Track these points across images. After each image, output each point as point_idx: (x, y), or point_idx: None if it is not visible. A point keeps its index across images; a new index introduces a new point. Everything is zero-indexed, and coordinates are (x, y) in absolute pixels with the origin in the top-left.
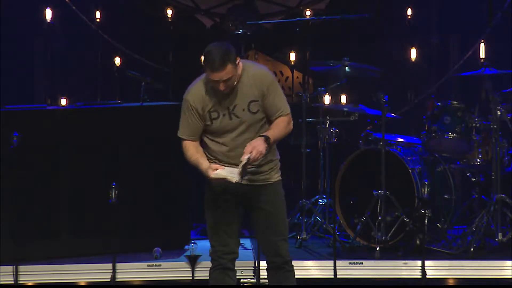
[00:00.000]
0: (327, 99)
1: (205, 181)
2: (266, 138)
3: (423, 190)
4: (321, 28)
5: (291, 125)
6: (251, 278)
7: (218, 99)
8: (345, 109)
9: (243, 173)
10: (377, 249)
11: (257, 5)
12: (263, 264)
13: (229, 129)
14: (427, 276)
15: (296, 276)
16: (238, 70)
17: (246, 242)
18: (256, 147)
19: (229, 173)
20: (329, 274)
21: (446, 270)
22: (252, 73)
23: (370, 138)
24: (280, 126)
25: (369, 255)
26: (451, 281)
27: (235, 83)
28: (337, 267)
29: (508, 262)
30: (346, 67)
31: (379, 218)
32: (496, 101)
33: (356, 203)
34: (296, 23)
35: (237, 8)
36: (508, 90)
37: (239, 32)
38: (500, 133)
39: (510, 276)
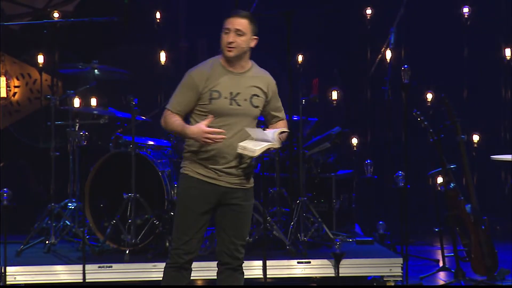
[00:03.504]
0: (76, 102)
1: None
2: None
3: (172, 192)
4: (70, 30)
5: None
6: None
7: (223, 82)
8: (95, 112)
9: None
10: (127, 252)
11: (3, 6)
12: (9, 269)
13: (226, 114)
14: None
15: (44, 281)
16: (249, 49)
17: None
18: (283, 135)
19: (271, 136)
20: (78, 278)
21: (194, 272)
22: (260, 73)
23: (120, 141)
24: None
25: (119, 258)
26: (199, 282)
27: (242, 47)
28: (86, 271)
29: (256, 262)
30: (96, 70)
31: (129, 220)
32: None
33: (106, 206)
34: (44, 25)
35: None
36: None
37: None
38: None
39: (260, 276)
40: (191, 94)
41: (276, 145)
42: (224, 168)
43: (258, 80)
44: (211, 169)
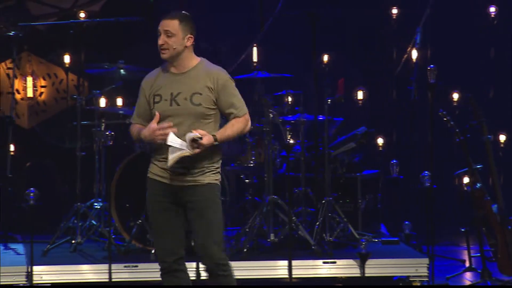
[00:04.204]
0: (102, 102)
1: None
2: (215, 139)
3: None
4: (96, 30)
5: (248, 126)
6: (23, 283)
7: (165, 85)
8: (121, 111)
9: (192, 147)
10: (153, 251)
11: (30, 7)
12: (36, 269)
13: (168, 115)
14: (202, 278)
15: (70, 280)
16: (188, 51)
17: (19, 247)
18: (205, 137)
19: (180, 144)
20: (104, 278)
21: None
22: (207, 69)
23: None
24: (234, 127)
25: (145, 258)
26: None
27: (174, 49)
28: (112, 271)
29: (281, 262)
30: (121, 70)
31: None
32: (269, 104)
33: (132, 206)
34: (70, 25)
35: (9, 9)
36: (279, 93)
37: (11, 34)
38: (272, 135)
39: (285, 276)
40: (144, 101)
41: (187, 153)
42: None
43: (202, 78)
44: (163, 168)
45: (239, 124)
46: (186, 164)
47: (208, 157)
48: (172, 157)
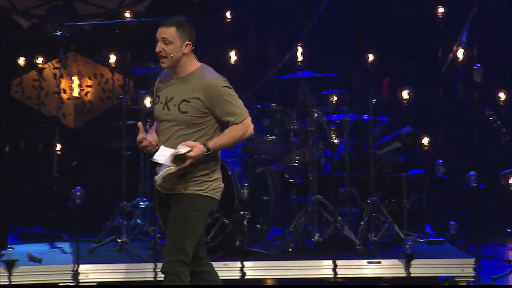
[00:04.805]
0: (147, 102)
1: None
2: (207, 149)
3: (242, 191)
4: (142, 30)
5: (249, 132)
6: (70, 282)
7: (165, 87)
8: None
9: (177, 163)
10: None
11: (76, 7)
12: (82, 267)
13: (160, 119)
14: (246, 277)
15: (116, 279)
16: (187, 57)
17: (65, 246)
18: (195, 149)
19: (165, 161)
20: (149, 277)
21: (265, 271)
22: (200, 77)
23: None
24: (230, 135)
25: None
26: (269, 281)
27: (172, 57)
28: (157, 270)
29: (326, 262)
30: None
31: None
32: (313, 104)
33: None
34: (116, 25)
35: (56, 9)
36: (324, 93)
37: (58, 34)
38: (317, 135)
39: (330, 276)
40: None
41: (172, 169)
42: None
43: (193, 86)
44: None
45: (236, 131)
46: (172, 175)
47: (193, 167)
48: (159, 175)
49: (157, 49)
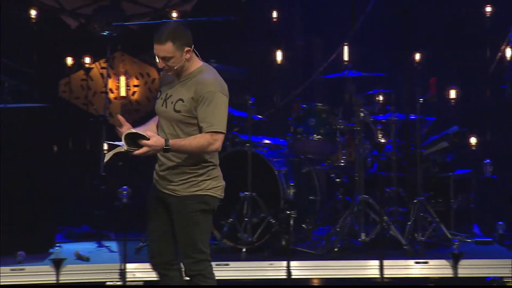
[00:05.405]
0: None
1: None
2: (166, 145)
3: (288, 191)
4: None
5: (214, 146)
6: (117, 281)
7: (167, 83)
8: None
9: (128, 143)
10: (243, 250)
11: (124, 6)
12: (129, 266)
13: (159, 115)
14: (292, 277)
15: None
16: (188, 61)
17: (112, 245)
18: (153, 139)
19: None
20: None
21: (311, 270)
22: (197, 78)
23: (236, 140)
24: (195, 140)
25: (236, 256)
26: (315, 281)
27: (176, 67)
28: None
29: (372, 262)
30: None
31: (246, 219)
32: (359, 103)
33: (223, 205)
34: (163, 24)
35: (103, 9)
36: (370, 92)
37: (105, 34)
38: (363, 134)
39: (377, 276)
40: None
41: (122, 149)
42: (160, 171)
43: (190, 86)
44: (155, 171)
45: (201, 139)
46: (167, 172)
47: (186, 168)
48: (108, 153)
49: (160, 65)
